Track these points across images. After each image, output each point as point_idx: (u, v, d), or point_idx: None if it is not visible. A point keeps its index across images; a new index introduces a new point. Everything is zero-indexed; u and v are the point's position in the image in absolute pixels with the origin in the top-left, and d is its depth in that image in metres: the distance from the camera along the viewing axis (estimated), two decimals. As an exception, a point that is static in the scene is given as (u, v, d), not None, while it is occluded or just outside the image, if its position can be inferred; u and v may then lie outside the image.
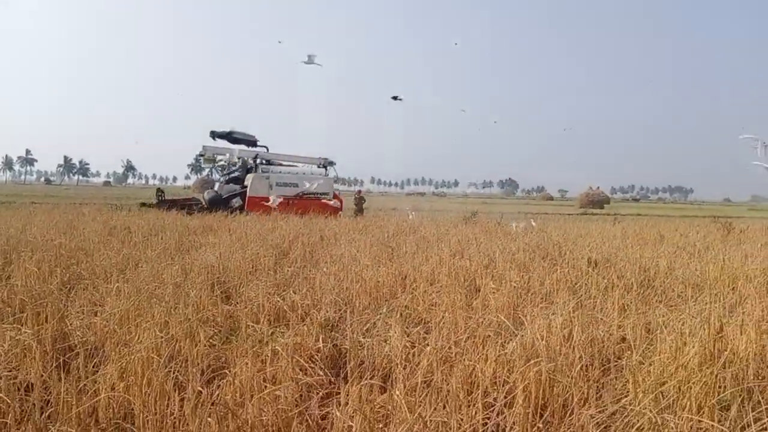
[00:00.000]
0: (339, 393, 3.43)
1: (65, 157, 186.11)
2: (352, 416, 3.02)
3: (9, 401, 3.20)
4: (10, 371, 3.77)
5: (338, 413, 3.15)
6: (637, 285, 6.96)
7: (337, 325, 5.40)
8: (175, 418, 3.04)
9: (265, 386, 3.33)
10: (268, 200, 21.64)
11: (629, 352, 4.19)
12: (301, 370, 3.64)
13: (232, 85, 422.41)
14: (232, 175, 23.79)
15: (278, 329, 4.96)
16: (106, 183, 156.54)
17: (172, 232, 12.34)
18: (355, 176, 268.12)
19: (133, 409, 3.22)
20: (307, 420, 3.17)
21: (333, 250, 10.45)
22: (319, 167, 24.75)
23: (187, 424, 2.96)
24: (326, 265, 8.40)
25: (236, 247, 10.23)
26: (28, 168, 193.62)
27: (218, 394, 3.32)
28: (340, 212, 22.82)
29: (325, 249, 10.69)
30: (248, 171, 23.30)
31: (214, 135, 23.92)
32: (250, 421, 2.93)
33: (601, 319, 5.17)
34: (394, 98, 25.98)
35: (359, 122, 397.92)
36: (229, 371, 3.85)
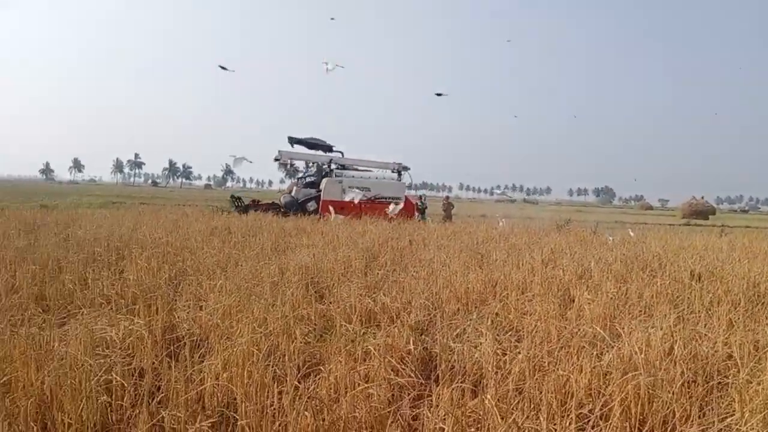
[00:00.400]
0: (430, 395, 3.47)
1: (170, 161, 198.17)
2: (444, 419, 3.05)
3: (125, 385, 3.46)
4: (125, 358, 4.07)
5: (429, 414, 3.19)
6: (746, 300, 6.53)
7: (427, 328, 5.44)
8: (274, 409, 3.18)
9: (359, 384, 3.41)
10: (344, 205, 21.82)
11: (735, 370, 3.96)
12: (393, 370, 3.70)
13: (320, 92, 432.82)
14: (309, 179, 24.42)
15: (369, 330, 5.06)
16: (207, 186, 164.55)
17: (269, 233, 12.80)
18: (443, 182, 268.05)
19: (235, 399, 3.39)
20: (398, 419, 3.22)
21: (422, 254, 10.49)
22: (393, 172, 25.03)
23: (285, 416, 3.08)
24: (415, 270, 8.46)
25: (328, 249, 10.49)
26: (137, 171, 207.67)
27: (313, 389, 3.44)
28: (410, 217, 22.76)
29: (414, 254, 10.74)
30: (324, 176, 23.82)
31: (292, 141, 24.58)
32: (344, 417, 3.02)
33: (705, 334, 4.90)
34: (438, 95, 25.53)
35: (449, 128, 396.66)
36: (323, 368, 3.99)
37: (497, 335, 4.99)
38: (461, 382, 3.72)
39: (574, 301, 6.76)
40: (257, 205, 23.73)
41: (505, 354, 4.54)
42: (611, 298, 6.23)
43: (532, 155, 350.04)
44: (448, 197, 27.37)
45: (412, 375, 3.98)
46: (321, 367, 3.98)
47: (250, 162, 21.56)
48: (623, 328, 4.94)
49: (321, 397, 3.15)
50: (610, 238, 14.83)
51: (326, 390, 3.38)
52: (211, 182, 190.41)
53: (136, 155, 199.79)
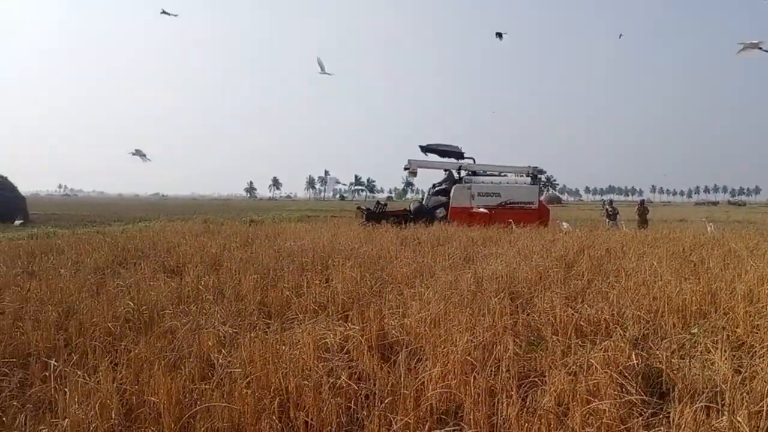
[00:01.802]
0: (659, 413, 3.21)
1: (356, 176, 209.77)
2: (686, 441, 2.79)
3: (356, 388, 3.67)
4: (346, 362, 4.31)
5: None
6: None
7: (641, 342, 5.06)
8: (502, 419, 3.15)
9: (584, 398, 3.26)
10: (470, 209, 21.48)
11: None
12: (619, 386, 3.48)
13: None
14: (439, 187, 23.93)
15: (580, 342, 4.84)
16: (389, 198, 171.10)
17: (458, 242, 12.89)
18: (632, 185, 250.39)
19: (457, 406, 3.43)
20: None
21: (622, 263, 9.84)
22: (528, 176, 23.73)
23: (510, 426, 3.04)
24: (617, 279, 7.95)
25: (519, 258, 10.28)
26: (326, 186, 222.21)
27: (534, 400, 3.36)
28: (544, 222, 21.37)
29: (613, 262, 10.12)
30: (455, 183, 23.26)
31: (423, 149, 24.32)
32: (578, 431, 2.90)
33: None
34: (498, 35, 23.14)
35: (634, 124, 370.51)
36: (539, 380, 3.89)
37: (724, 351, 4.50)
38: (694, 401, 3.40)
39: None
40: (386, 213, 23.62)
41: (739, 372, 4.09)
42: None
43: (735, 152, 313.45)
44: (643, 201, 25.47)
45: (633, 391, 3.72)
46: (536, 379, 3.88)
47: (149, 159, 22.09)
48: None
49: (551, 410, 3.05)
50: None
51: (550, 403, 3.27)
52: (392, 194, 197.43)
53: (326, 172, 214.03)
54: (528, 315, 5.95)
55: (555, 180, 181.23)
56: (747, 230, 18.63)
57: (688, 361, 4.31)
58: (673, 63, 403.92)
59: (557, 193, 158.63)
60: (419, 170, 24.54)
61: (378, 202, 25.18)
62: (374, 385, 3.92)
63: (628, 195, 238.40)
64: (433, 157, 24.66)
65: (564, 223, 19.28)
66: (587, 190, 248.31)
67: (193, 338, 4.80)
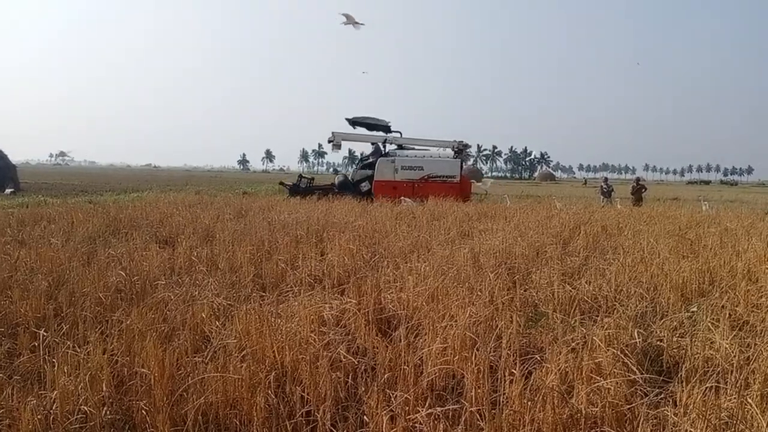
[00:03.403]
0: (671, 394, 3.15)
1: (349, 150, 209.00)
2: (694, 422, 2.73)
3: (355, 362, 3.59)
4: (343, 336, 4.23)
5: (672, 416, 2.88)
6: None
7: (640, 319, 5.00)
8: (505, 397, 3.08)
9: (588, 377, 3.19)
10: (396, 186, 21.17)
11: None
12: (623, 364, 3.41)
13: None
14: (367, 161, 23.72)
15: (579, 319, 4.77)
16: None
17: (453, 218, 12.80)
18: (626, 163, 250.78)
19: (458, 382, 3.36)
20: (638, 418, 2.94)
21: (618, 240, 9.80)
22: (453, 150, 23.50)
23: (512, 405, 2.96)
24: (614, 257, 7.90)
25: (515, 234, 10.20)
26: (320, 160, 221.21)
27: (538, 378, 3.28)
28: (466, 197, 21.27)
29: (609, 239, 10.07)
30: (381, 156, 23.04)
31: (351, 122, 23.97)
32: (583, 412, 2.82)
33: None
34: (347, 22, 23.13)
35: (627, 102, 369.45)
36: (540, 357, 3.82)
37: (726, 330, 4.44)
38: (700, 381, 3.34)
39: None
40: (311, 187, 23.30)
41: (742, 351, 4.03)
42: None
43: (728, 132, 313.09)
44: (638, 179, 25.42)
45: (635, 369, 3.66)
46: (537, 356, 3.81)
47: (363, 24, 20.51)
48: None
49: (555, 388, 2.97)
50: None
51: (553, 381, 3.19)
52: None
53: (320, 145, 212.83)
54: (525, 291, 5.88)
55: (548, 156, 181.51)
56: (741, 209, 18.63)
57: (689, 339, 4.25)
58: (671, 43, 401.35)
59: (550, 170, 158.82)
60: (344, 143, 24.34)
61: (301, 176, 24.72)
62: (373, 359, 3.85)
63: (621, 173, 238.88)
64: (362, 131, 24.34)
65: (557, 203, 19.09)
66: (581, 167, 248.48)
67: (187, 309, 4.70)
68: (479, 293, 5.25)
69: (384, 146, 23.51)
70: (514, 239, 9.25)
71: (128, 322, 4.27)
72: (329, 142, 23.96)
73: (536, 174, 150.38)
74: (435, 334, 3.96)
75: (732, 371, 3.63)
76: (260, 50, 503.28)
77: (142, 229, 10.07)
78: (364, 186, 22.73)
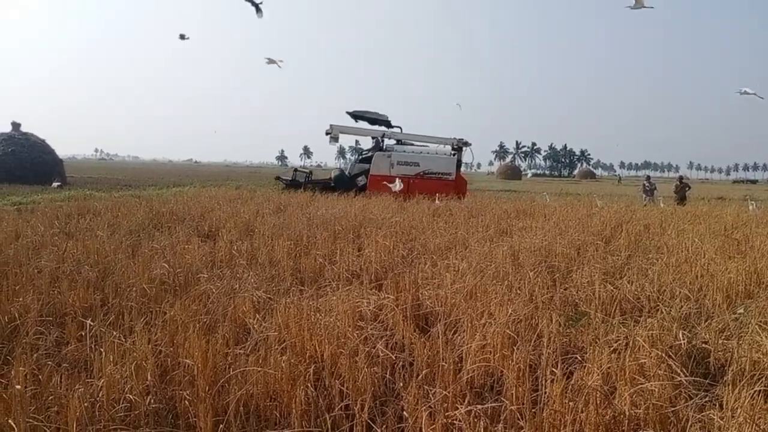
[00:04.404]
0: (717, 397, 3.06)
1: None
2: (741, 426, 2.65)
3: (393, 358, 3.59)
4: (382, 332, 4.23)
5: (718, 419, 2.81)
6: None
7: (685, 321, 4.88)
8: (546, 396, 3.04)
9: (632, 378, 3.13)
10: (391, 181, 20.25)
11: None
12: (667, 366, 3.33)
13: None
14: (366, 155, 23.29)
15: (621, 319, 4.69)
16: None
17: (492, 215, 12.70)
18: (669, 161, 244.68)
19: (497, 380, 3.33)
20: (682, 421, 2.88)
21: (661, 240, 9.57)
22: (453, 147, 23.09)
23: (554, 404, 2.93)
24: (657, 256, 7.72)
25: (555, 232, 10.07)
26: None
27: (580, 378, 3.24)
28: (459, 194, 20.69)
29: (652, 239, 9.85)
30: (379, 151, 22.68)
31: (352, 115, 23.67)
32: (627, 414, 2.77)
33: None
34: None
35: (673, 100, 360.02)
36: (580, 356, 3.76)
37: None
38: (747, 385, 3.24)
39: None
40: (307, 182, 22.92)
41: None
42: None
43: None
44: (681, 177, 24.77)
45: (684, 372, 3.57)
46: (578, 356, 3.76)
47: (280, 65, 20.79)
48: None
49: (598, 388, 2.92)
50: None
51: (595, 381, 3.14)
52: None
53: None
54: (566, 290, 5.81)
55: (589, 154, 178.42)
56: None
57: (735, 342, 4.13)
58: (710, 41, 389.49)
59: (590, 168, 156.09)
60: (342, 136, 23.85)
61: (296, 170, 24.56)
62: (410, 355, 3.85)
63: (664, 171, 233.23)
64: (362, 125, 24.02)
65: (598, 201, 18.69)
66: (622, 165, 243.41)
67: (228, 302, 4.78)
68: (518, 291, 5.20)
69: (382, 141, 23.27)
70: (553, 237, 9.13)
71: (172, 314, 4.36)
72: (326, 134, 23.60)
73: (576, 172, 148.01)
74: (474, 331, 3.94)
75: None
76: (299, 51, 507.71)
77: (185, 223, 10.28)
78: (361, 180, 22.36)
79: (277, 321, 4.15)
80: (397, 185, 19.13)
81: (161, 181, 35.60)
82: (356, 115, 24.08)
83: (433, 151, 23.55)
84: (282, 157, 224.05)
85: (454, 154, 23.23)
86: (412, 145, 23.93)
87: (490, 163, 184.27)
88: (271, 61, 20.59)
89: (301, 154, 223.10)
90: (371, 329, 4.18)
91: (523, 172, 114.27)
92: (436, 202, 16.51)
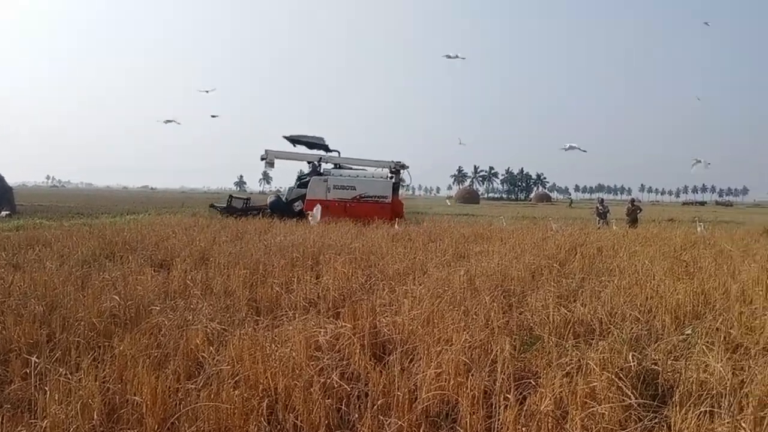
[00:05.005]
0: (666, 418, 3.13)
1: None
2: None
3: (348, 389, 3.56)
4: (338, 361, 4.20)
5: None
6: None
7: (635, 342, 5.00)
8: (500, 422, 3.06)
9: (583, 401, 3.18)
10: (327, 206, 20.47)
11: None
12: (617, 389, 3.40)
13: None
14: (304, 179, 23.33)
15: (574, 342, 4.77)
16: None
17: (450, 239, 12.81)
18: (622, 184, 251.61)
19: (453, 408, 3.34)
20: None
21: (614, 262, 9.81)
22: (391, 171, 23.43)
23: (507, 430, 2.95)
24: (609, 278, 7.90)
25: (511, 255, 10.22)
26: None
27: (533, 403, 3.27)
28: (397, 218, 20.71)
29: (605, 261, 10.08)
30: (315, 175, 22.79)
31: (290, 139, 23.72)
32: (577, 437, 2.81)
33: None
34: (451, 56, 23.52)
35: (625, 125, 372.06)
36: (534, 381, 3.80)
37: (720, 353, 4.44)
38: (694, 405, 3.33)
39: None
40: (244, 208, 22.77)
41: (735, 374, 4.03)
42: None
43: (724, 153, 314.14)
44: (633, 200, 25.49)
45: (634, 395, 3.64)
46: (532, 381, 3.80)
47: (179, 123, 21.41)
48: None
49: (550, 414, 2.95)
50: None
51: (546, 406, 3.18)
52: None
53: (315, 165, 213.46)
54: (521, 314, 5.88)
55: (545, 178, 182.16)
56: (736, 230, 18.69)
57: (684, 362, 4.24)
58: (665, 63, 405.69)
59: (546, 191, 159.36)
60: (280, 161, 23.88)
61: (231, 197, 24.14)
62: (366, 385, 3.82)
63: (617, 194, 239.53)
64: (301, 149, 24.13)
65: (553, 224, 19.05)
66: (577, 188, 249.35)
67: (180, 335, 4.67)
68: (475, 316, 5.24)
69: (320, 165, 23.29)
70: (510, 261, 9.27)
71: (121, 348, 4.24)
72: (262, 159, 23.49)
73: (532, 195, 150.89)
74: (430, 358, 3.95)
75: (726, 395, 3.63)
76: (260, 69, 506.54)
77: (138, 253, 10.04)
78: (298, 205, 22.31)
79: (230, 353, 4.08)
80: (317, 215, 18.62)
81: (115, 208, 34.75)
82: (294, 140, 24.00)
83: (370, 175, 23.56)
84: (241, 183, 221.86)
85: (391, 177, 23.34)
86: (350, 168, 23.98)
87: (449, 188, 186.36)
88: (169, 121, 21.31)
89: (260, 180, 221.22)
90: (327, 359, 4.14)
91: (480, 197, 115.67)
92: (395, 227, 16.57)
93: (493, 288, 6.93)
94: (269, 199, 24.06)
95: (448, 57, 25.82)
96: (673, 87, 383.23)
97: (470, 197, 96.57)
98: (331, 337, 4.70)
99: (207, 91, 20.80)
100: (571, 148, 22.08)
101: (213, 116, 23.48)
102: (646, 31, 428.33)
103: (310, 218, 17.73)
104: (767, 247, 11.85)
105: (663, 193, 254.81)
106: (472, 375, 3.54)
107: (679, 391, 3.59)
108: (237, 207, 22.87)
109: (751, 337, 5.12)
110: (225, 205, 23.15)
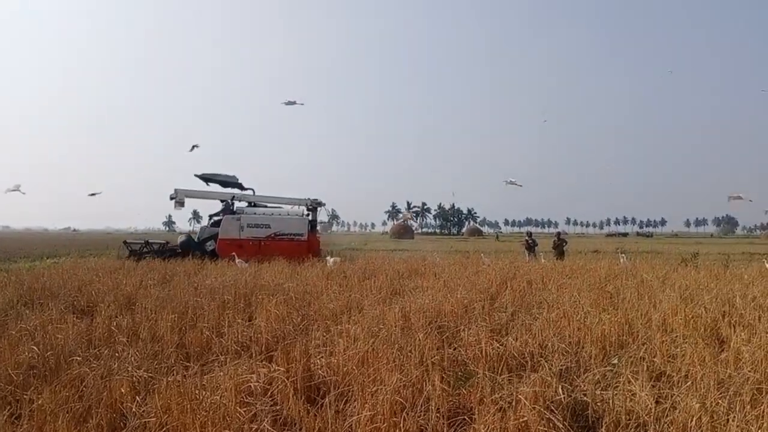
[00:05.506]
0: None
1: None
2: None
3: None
4: (270, 406, 4.11)
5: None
6: None
7: (565, 374, 5.14)
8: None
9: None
10: (241, 245, 20.57)
11: None
12: (548, 422, 3.47)
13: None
14: (216, 218, 22.96)
15: (507, 376, 4.85)
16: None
17: (385, 276, 12.85)
18: (549, 217, 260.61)
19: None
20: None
21: (543, 295, 10.09)
22: (307, 208, 23.71)
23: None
24: (539, 311, 8.13)
25: (445, 291, 10.35)
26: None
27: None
28: (312, 254, 20.86)
29: (535, 294, 10.36)
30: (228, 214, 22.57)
31: (202, 178, 23.51)
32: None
33: None
34: (289, 103, 24.64)
35: (551, 160, 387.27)
36: (468, 417, 3.84)
37: (645, 382, 4.63)
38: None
39: (724, 342, 6.23)
40: (150, 249, 22.06)
41: (659, 402, 4.21)
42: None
43: (644, 187, 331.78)
44: (560, 233, 26.39)
45: (561, 426, 3.74)
46: (466, 417, 3.83)
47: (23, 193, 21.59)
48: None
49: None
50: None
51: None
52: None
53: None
54: (455, 349, 5.94)
55: (476, 212, 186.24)
56: (656, 260, 19.64)
57: (611, 392, 4.39)
58: (587, 97, 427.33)
59: (477, 225, 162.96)
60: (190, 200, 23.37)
61: (147, 242, 22.92)
62: (300, 430, 3.75)
63: (544, 227, 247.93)
64: (215, 187, 23.71)
65: (485, 258, 19.45)
66: (506, 222, 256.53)
67: (104, 385, 4.46)
68: (409, 354, 5.26)
69: (232, 203, 22.89)
70: (443, 297, 9.37)
71: (40, 402, 4.01)
72: (171, 198, 22.66)
73: (464, 229, 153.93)
74: (364, 399, 3.93)
75: (651, 423, 3.78)
76: (180, 117, 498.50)
77: (59, 299, 9.55)
78: (210, 245, 21.83)
79: (157, 403, 3.92)
80: (244, 263, 17.75)
81: (34, 252, 33.03)
82: (206, 178, 23.56)
83: (285, 212, 23.34)
84: (170, 223, 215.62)
85: (308, 215, 23.30)
86: (265, 206, 23.65)
87: (384, 223, 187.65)
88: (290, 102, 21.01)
89: (190, 219, 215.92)
90: (260, 405, 4.06)
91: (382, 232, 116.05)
92: (328, 264, 16.50)
93: (426, 324, 6.99)
94: (179, 239, 23.18)
95: (288, 103, 26.09)
96: (597, 120, 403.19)
97: (405, 232, 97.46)
98: (263, 382, 4.61)
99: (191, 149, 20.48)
100: (511, 183, 23.39)
101: (194, 146, 22.49)
102: (558, 66, 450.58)
103: (237, 263, 17.23)
104: (685, 277, 12.50)
105: (588, 225, 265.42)
106: (407, 414, 3.54)
107: (606, 422, 3.70)
108: (136, 249, 21.92)
109: (673, 365, 5.35)
110: (135, 249, 22.16)
